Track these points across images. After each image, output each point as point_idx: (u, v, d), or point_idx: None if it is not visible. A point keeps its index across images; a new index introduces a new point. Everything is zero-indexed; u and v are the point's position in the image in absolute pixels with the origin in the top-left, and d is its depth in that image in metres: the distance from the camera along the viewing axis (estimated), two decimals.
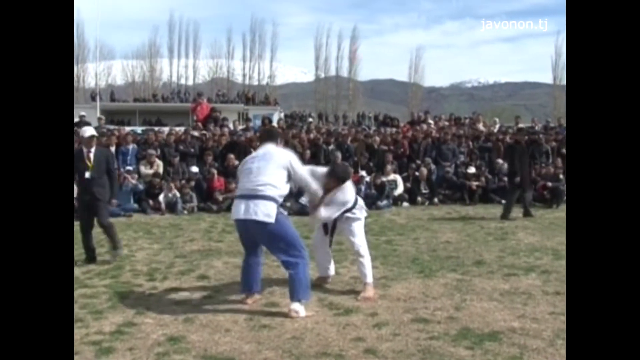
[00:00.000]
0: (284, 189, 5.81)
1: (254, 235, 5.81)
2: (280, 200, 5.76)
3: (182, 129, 19.41)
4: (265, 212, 5.59)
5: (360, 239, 6.45)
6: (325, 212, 6.27)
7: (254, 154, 6.21)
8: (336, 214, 6.32)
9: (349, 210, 6.38)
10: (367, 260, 6.45)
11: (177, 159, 15.57)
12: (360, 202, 6.60)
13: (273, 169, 5.75)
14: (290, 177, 5.86)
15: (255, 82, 70.19)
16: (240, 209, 5.70)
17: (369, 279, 6.42)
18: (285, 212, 6.01)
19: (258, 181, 5.68)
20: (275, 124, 21.11)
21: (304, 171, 6.06)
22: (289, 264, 5.69)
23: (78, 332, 5.04)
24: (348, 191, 6.37)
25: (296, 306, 5.58)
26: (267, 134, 6.47)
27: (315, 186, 6.12)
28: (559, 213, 13.11)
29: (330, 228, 6.56)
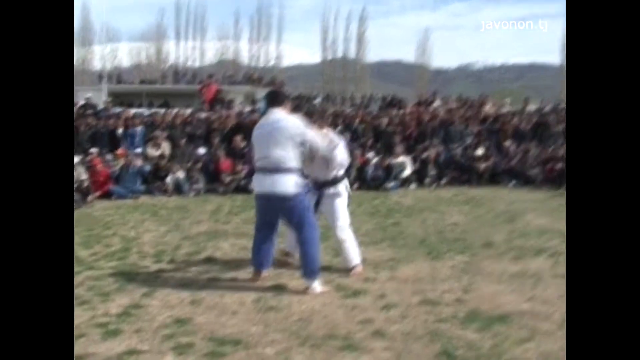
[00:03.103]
0: (298, 159, 5.80)
1: (276, 209, 5.84)
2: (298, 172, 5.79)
3: (188, 110, 19.31)
4: (291, 184, 5.67)
5: (342, 221, 6.40)
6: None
7: (264, 119, 6.03)
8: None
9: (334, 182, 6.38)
10: (350, 243, 6.43)
11: (183, 141, 15.53)
12: (345, 181, 6.57)
13: (288, 140, 5.68)
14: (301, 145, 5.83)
15: (262, 64, 69.87)
16: (265, 182, 5.72)
17: (356, 260, 6.44)
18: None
19: (274, 154, 5.66)
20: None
21: (315, 136, 5.99)
22: (305, 240, 5.77)
23: (84, 314, 5.03)
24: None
25: (314, 284, 5.73)
26: (274, 98, 6.11)
27: (326, 147, 6.12)
28: None
29: (315, 200, 6.36)
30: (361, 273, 6.31)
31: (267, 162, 5.71)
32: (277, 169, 5.67)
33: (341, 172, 6.44)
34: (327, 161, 6.21)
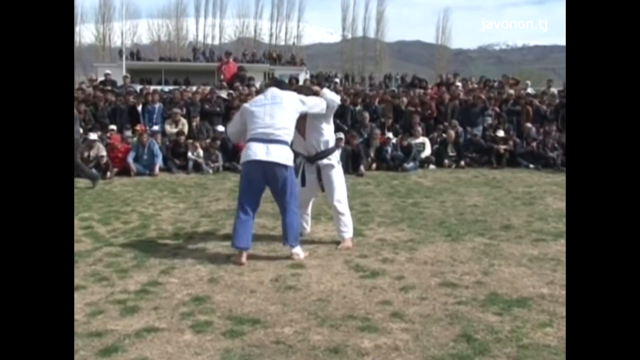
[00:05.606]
0: (292, 133, 6.11)
1: (269, 179, 6.00)
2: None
3: (207, 88, 19.28)
4: (286, 155, 5.97)
5: (340, 194, 6.63)
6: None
7: (258, 97, 6.32)
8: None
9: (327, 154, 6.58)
10: (347, 218, 6.67)
11: (198, 118, 15.49)
12: (337, 153, 6.82)
13: (285, 112, 5.99)
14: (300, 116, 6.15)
15: (282, 42, 69.74)
16: (260, 151, 5.88)
17: (349, 235, 6.67)
18: None
19: (273, 125, 5.93)
20: (301, 83, 20.89)
21: (314, 100, 6.31)
22: (289, 211, 6.10)
23: (103, 291, 5.06)
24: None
25: (297, 250, 6.13)
26: (278, 84, 6.48)
27: (329, 99, 6.42)
28: None
29: (315, 172, 6.67)
30: (350, 247, 6.54)
31: (266, 133, 5.91)
32: (276, 140, 5.91)
33: (331, 143, 6.63)
34: (322, 119, 6.42)
